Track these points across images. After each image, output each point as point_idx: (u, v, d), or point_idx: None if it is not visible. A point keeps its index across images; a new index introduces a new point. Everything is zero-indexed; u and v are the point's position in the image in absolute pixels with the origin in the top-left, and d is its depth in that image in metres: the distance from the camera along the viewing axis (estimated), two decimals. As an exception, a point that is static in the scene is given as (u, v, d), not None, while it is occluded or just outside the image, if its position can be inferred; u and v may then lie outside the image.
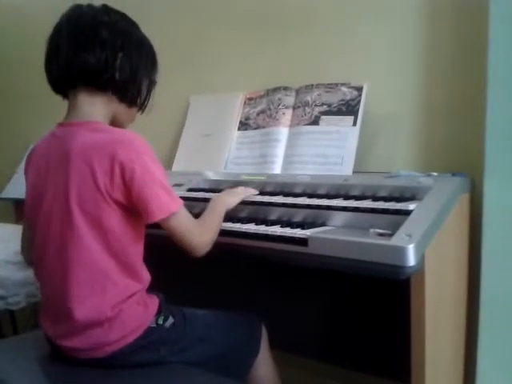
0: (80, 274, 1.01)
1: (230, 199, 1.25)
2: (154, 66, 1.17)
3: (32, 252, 1.12)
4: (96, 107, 1.09)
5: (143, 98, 1.16)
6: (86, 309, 1.01)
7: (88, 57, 1.04)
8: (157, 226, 1.04)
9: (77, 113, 1.09)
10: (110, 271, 1.02)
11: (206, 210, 1.17)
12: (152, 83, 1.17)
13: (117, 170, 0.98)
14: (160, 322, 1.08)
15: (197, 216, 1.12)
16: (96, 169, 0.99)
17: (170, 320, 1.09)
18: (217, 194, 1.30)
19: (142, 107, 1.17)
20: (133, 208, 1.02)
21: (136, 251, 1.07)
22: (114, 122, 1.14)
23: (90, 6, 1.10)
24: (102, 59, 1.04)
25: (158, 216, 1.00)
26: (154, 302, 1.09)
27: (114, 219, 1.01)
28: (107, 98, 1.09)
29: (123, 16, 1.12)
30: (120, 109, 1.13)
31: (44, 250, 1.07)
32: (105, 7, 1.11)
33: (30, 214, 1.12)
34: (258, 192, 1.35)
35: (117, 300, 1.02)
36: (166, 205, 1.01)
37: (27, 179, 1.14)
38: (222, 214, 1.18)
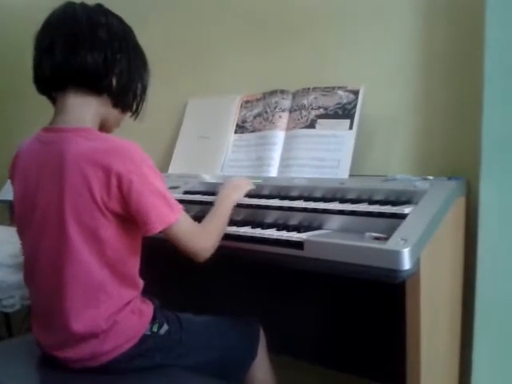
0: (75, 288, 0.99)
1: (235, 195, 1.24)
2: (146, 70, 1.13)
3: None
4: (87, 110, 1.04)
5: (138, 103, 1.12)
6: (82, 322, 0.99)
7: (87, 57, 0.99)
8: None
9: (66, 116, 1.03)
10: (105, 283, 1.00)
11: (210, 211, 1.15)
12: (145, 88, 1.13)
13: (114, 181, 0.95)
14: (155, 329, 1.06)
15: (196, 219, 1.11)
16: (92, 180, 0.95)
17: (165, 327, 1.08)
18: (222, 187, 1.27)
19: (136, 113, 1.13)
20: (130, 218, 0.99)
21: (133, 262, 1.06)
22: (102, 126, 1.09)
23: (83, 5, 1.05)
24: (100, 61, 1.01)
25: (157, 228, 0.98)
26: (148, 308, 1.08)
27: (110, 230, 0.98)
28: (101, 101, 1.05)
29: (119, 19, 1.09)
30: (112, 113, 1.09)
31: (35, 262, 1.04)
32: (99, 6, 1.07)
33: (19, 225, 1.09)
34: (254, 186, 1.35)
35: (112, 310, 1.01)
36: (166, 216, 0.98)
37: (14, 187, 1.10)
38: (226, 214, 1.16)
